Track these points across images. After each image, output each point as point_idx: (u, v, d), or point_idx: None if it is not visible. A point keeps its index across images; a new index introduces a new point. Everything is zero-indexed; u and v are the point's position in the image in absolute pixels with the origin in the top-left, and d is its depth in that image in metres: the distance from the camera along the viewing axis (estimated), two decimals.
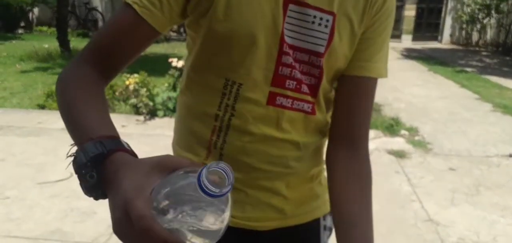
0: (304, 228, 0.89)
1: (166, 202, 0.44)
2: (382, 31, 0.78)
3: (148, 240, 0.44)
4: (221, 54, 0.74)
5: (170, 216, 0.44)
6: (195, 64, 0.78)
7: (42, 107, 5.10)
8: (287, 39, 0.72)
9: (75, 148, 0.58)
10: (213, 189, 0.42)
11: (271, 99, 0.75)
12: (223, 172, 0.44)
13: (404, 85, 7.38)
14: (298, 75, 0.75)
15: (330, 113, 0.85)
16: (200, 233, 0.45)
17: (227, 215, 0.47)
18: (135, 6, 0.69)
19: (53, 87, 5.02)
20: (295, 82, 0.75)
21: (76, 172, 0.55)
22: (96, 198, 0.56)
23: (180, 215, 0.44)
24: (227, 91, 0.75)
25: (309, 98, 0.77)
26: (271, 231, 0.84)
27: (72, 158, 0.57)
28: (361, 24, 0.76)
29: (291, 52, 0.73)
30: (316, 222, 0.91)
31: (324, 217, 0.93)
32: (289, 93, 0.75)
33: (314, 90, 0.77)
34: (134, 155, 0.57)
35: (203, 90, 0.78)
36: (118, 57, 0.74)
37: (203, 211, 0.45)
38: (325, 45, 0.74)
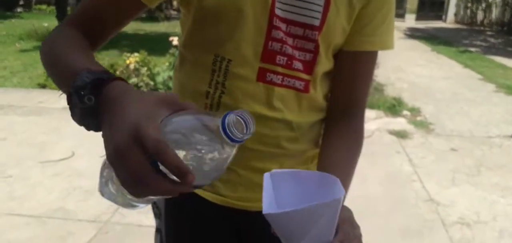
0: None
1: (175, 137, 0.44)
2: (383, 4, 0.75)
3: (164, 162, 0.43)
4: (210, 30, 0.72)
5: (177, 151, 0.44)
6: (187, 41, 0.77)
7: (42, 86, 5.09)
8: (278, 12, 0.70)
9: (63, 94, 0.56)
10: (237, 135, 0.44)
11: (261, 75, 0.73)
12: (243, 121, 0.45)
13: (407, 65, 7.32)
14: (289, 51, 0.72)
15: (326, 92, 0.82)
16: (201, 172, 0.46)
17: (229, 162, 0.48)
18: None
19: None
20: (286, 58, 0.72)
21: (73, 95, 0.51)
22: (88, 128, 0.53)
23: (186, 152, 0.44)
24: (217, 68, 0.73)
25: (301, 75, 0.74)
26: (261, 212, 0.83)
27: (71, 86, 0.52)
28: None
29: (283, 26, 0.71)
30: None
31: None
32: (279, 69, 0.73)
33: (309, 66, 0.74)
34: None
35: (195, 68, 0.77)
36: (102, 26, 0.73)
37: (209, 153, 0.45)
38: (320, 17, 0.71)
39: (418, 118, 4.58)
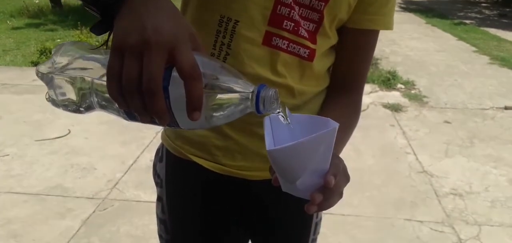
0: None
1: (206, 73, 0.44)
2: None
3: (191, 88, 0.42)
4: None
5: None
6: (191, 2, 0.77)
7: (36, 64, 5.04)
8: None
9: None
10: (268, 108, 0.47)
11: (267, 39, 0.73)
12: (274, 100, 0.49)
13: (401, 38, 7.30)
14: (297, 17, 0.72)
15: (329, 65, 0.83)
16: (211, 113, 0.47)
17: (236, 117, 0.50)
18: None
19: (47, 44, 4.98)
20: (293, 24, 0.72)
21: None
22: (104, 28, 0.50)
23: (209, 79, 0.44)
24: (222, 29, 0.73)
25: (306, 42, 0.75)
26: (261, 181, 0.83)
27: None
28: None
29: None
30: None
31: None
32: (286, 34, 0.73)
33: (312, 36, 0.75)
34: None
35: (198, 28, 0.75)
36: None
37: (230, 93, 0.47)
38: None
39: (412, 91, 4.60)
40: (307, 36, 0.74)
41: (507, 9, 11.35)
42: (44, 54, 5.12)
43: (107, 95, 0.45)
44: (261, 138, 0.79)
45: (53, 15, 8.00)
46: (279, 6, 0.71)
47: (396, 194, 2.60)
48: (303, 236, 0.96)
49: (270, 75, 0.75)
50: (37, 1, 8.98)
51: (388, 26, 0.80)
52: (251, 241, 0.98)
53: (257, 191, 0.86)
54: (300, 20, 0.73)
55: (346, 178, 0.62)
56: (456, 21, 9.35)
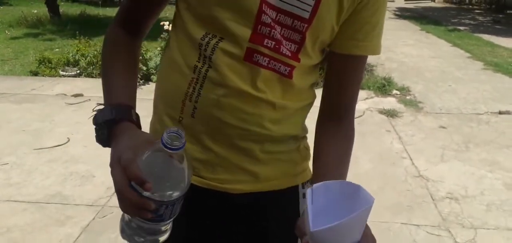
0: (280, 194, 0.86)
1: (144, 165, 0.62)
2: (378, 8, 0.78)
3: (128, 175, 0.62)
4: (201, 10, 0.75)
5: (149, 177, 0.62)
6: (179, 19, 0.80)
7: (34, 73, 5.06)
8: (269, 0, 0.73)
9: (99, 107, 0.78)
10: (173, 144, 0.60)
11: (248, 55, 0.75)
12: (177, 135, 0.61)
13: (396, 45, 7.38)
14: (278, 36, 0.74)
15: (312, 82, 0.84)
16: (164, 184, 0.63)
17: (185, 169, 0.64)
18: None
19: (45, 53, 5.01)
20: (274, 42, 0.74)
21: (94, 125, 0.76)
22: (103, 146, 0.76)
23: (154, 175, 0.61)
24: (205, 43, 0.75)
25: (287, 60, 0.76)
26: (244, 195, 0.83)
27: (94, 114, 0.77)
28: (354, 1, 0.75)
29: (273, 13, 0.73)
30: (294, 189, 0.89)
31: (303, 185, 0.90)
32: (266, 51, 0.75)
33: (294, 55, 0.77)
34: (138, 123, 0.77)
35: (184, 43, 0.79)
36: (140, 15, 0.86)
37: (165, 168, 0.62)
38: (310, 11, 0.73)
39: (408, 97, 4.65)
40: (289, 55, 0.76)
41: (501, 16, 11.49)
42: (43, 63, 5.15)
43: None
44: (242, 150, 0.80)
45: (51, 25, 8.03)
46: (259, 26, 0.73)
47: (393, 199, 2.63)
48: None
49: (251, 89, 0.76)
50: (35, 11, 9.01)
51: (376, 51, 0.81)
52: None
53: (240, 204, 0.85)
54: (282, 39, 0.75)
55: None
56: (450, 27, 9.46)
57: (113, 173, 0.65)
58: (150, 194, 0.61)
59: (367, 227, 0.64)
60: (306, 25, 0.74)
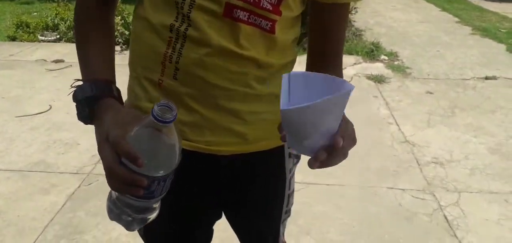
0: (267, 154, 0.86)
1: (134, 140, 0.61)
2: None
3: (119, 152, 0.61)
4: None
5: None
6: None
7: (12, 38, 4.88)
8: None
9: (77, 83, 0.75)
10: (165, 116, 0.58)
11: (227, 11, 0.71)
12: (167, 107, 0.59)
13: (385, 9, 7.31)
14: None
15: (294, 37, 0.82)
16: (156, 161, 0.61)
17: (176, 143, 0.62)
18: None
19: (23, 17, 4.81)
20: None
21: (74, 102, 0.74)
22: (85, 123, 0.75)
23: (143, 150, 0.60)
24: (181, 0, 0.71)
25: (269, 14, 0.73)
26: (231, 156, 0.82)
27: (73, 91, 0.74)
28: None
29: None
30: (280, 149, 0.88)
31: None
32: (247, 6, 0.71)
33: (276, 8, 0.73)
34: (120, 99, 0.76)
35: (163, 4, 0.74)
36: None
37: (156, 143, 0.61)
38: None
39: (396, 63, 4.64)
40: (271, 9, 0.73)
41: None
42: (21, 28, 4.95)
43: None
44: (229, 112, 0.78)
45: None
46: None
47: (379, 164, 2.66)
48: (276, 208, 0.96)
49: (234, 47, 0.73)
50: None
51: None
52: (224, 214, 0.98)
53: (227, 165, 0.84)
54: None
55: (353, 141, 0.64)
56: None
57: (101, 151, 0.65)
58: (142, 170, 0.60)
59: (346, 121, 0.63)
60: None
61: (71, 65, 4.04)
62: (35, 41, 4.81)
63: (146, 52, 0.78)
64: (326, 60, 0.83)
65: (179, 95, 0.76)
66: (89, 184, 2.39)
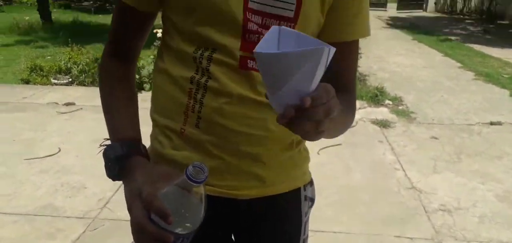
0: (284, 197, 0.89)
1: (164, 198, 0.64)
2: None
3: (151, 209, 0.64)
4: (189, 24, 0.76)
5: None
6: (169, 33, 0.81)
7: (26, 81, 5.01)
8: (252, 6, 0.74)
9: (106, 142, 0.81)
10: (198, 177, 0.61)
11: (243, 63, 0.76)
12: (200, 168, 0.62)
13: (388, 55, 7.44)
14: None
15: None
16: (183, 218, 0.65)
17: (202, 202, 0.65)
18: None
19: (37, 61, 4.95)
20: None
21: (104, 161, 0.79)
22: (114, 180, 0.79)
23: (172, 208, 0.63)
24: (198, 55, 0.77)
25: None
26: (250, 200, 0.85)
27: (103, 149, 0.80)
28: None
29: (258, 18, 0.75)
30: (297, 192, 0.92)
31: (305, 188, 0.93)
32: None
33: None
34: (147, 155, 0.81)
35: (178, 56, 0.80)
36: (128, 41, 0.87)
37: (187, 202, 0.64)
38: (294, 9, 0.75)
39: (400, 107, 4.68)
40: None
41: (491, 26, 11.66)
42: (35, 71, 5.10)
43: None
44: (249, 156, 0.82)
45: (43, 32, 7.99)
46: (247, 34, 0.75)
47: (386, 211, 2.64)
48: None
49: (252, 94, 0.78)
50: (27, 18, 8.94)
51: (365, 34, 0.84)
52: None
53: (246, 209, 0.87)
54: None
55: (327, 113, 0.59)
56: (441, 37, 9.57)
57: (132, 207, 0.69)
58: (170, 227, 0.63)
59: (328, 92, 0.60)
60: (292, 24, 0.76)
61: (81, 108, 4.13)
62: (48, 84, 4.94)
63: (168, 103, 0.83)
64: (338, 90, 0.86)
65: (201, 142, 0.80)
66: (95, 229, 2.39)
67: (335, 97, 0.61)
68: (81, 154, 3.25)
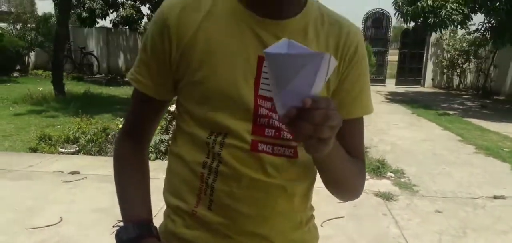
0: None
1: None
2: (360, 74, 0.87)
3: None
4: (202, 111, 0.82)
5: None
6: (182, 118, 0.87)
7: (34, 150, 5.09)
8: (262, 93, 0.80)
9: (119, 224, 0.85)
10: None
11: (254, 146, 0.81)
12: None
13: (389, 128, 7.57)
14: (277, 123, 0.81)
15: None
16: None
17: None
18: (130, 81, 0.88)
19: (46, 130, 5.04)
20: (274, 130, 0.81)
21: (117, 239, 0.84)
22: None
23: None
24: (211, 141, 0.81)
25: (290, 142, 0.82)
26: None
27: (116, 230, 0.84)
28: (338, 73, 0.84)
29: (268, 104, 0.80)
30: None
31: None
32: (269, 139, 0.81)
33: None
34: (158, 236, 0.85)
35: (191, 141, 0.85)
36: (144, 127, 0.93)
37: None
38: None
39: (402, 180, 4.70)
40: (291, 137, 0.81)
41: (488, 101, 11.93)
42: (43, 140, 5.20)
43: None
44: (259, 236, 0.85)
45: (55, 102, 8.21)
46: (258, 118, 0.81)
47: None
48: None
49: (263, 177, 0.82)
50: (41, 89, 9.25)
51: (368, 111, 0.90)
52: None
53: None
54: (282, 124, 0.81)
55: (326, 118, 0.62)
56: (440, 111, 9.76)
57: None
58: None
59: (328, 101, 0.64)
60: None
61: (86, 177, 4.16)
62: (55, 153, 5.01)
63: (181, 185, 0.88)
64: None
65: (212, 223, 0.84)
66: None
67: (336, 110, 0.64)
68: (82, 223, 3.24)
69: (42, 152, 5.03)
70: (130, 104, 0.94)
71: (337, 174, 0.84)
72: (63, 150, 5.04)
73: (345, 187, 0.89)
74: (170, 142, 1.02)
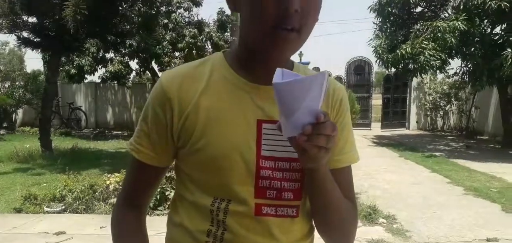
0: None
1: None
2: (345, 125, 0.92)
3: None
4: (205, 177, 0.84)
5: None
6: (184, 185, 0.88)
7: (18, 210, 4.94)
8: (265, 153, 0.83)
9: None
10: None
11: (258, 210, 0.83)
12: None
13: (378, 172, 7.62)
14: (278, 184, 0.84)
15: (308, 208, 0.92)
16: None
17: None
18: (131, 152, 0.90)
19: (32, 189, 4.94)
20: (275, 192, 0.84)
21: None
22: None
23: None
24: (215, 208, 0.83)
25: (292, 203, 0.85)
26: None
27: None
28: None
29: (271, 163, 0.83)
30: None
31: None
32: (271, 202, 0.84)
33: (298, 193, 0.86)
34: None
35: (194, 208, 0.86)
36: (143, 194, 0.94)
37: None
38: None
39: (394, 226, 4.68)
40: (292, 197, 0.85)
41: (472, 141, 12.16)
42: (28, 200, 5.06)
43: None
44: None
45: (42, 159, 8.05)
46: (260, 180, 0.83)
47: None
48: None
49: (268, 240, 0.84)
50: (28, 146, 9.08)
51: (353, 160, 0.94)
52: None
53: None
54: (283, 184, 0.84)
55: (333, 128, 0.69)
56: (427, 153, 9.89)
57: None
58: None
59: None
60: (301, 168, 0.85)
61: (72, 237, 4.03)
62: (40, 212, 4.87)
63: None
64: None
65: None
66: None
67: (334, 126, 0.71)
68: None
69: (26, 213, 4.89)
70: (128, 170, 0.95)
71: (328, 198, 0.85)
72: (48, 209, 4.91)
73: (337, 223, 0.90)
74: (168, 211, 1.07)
